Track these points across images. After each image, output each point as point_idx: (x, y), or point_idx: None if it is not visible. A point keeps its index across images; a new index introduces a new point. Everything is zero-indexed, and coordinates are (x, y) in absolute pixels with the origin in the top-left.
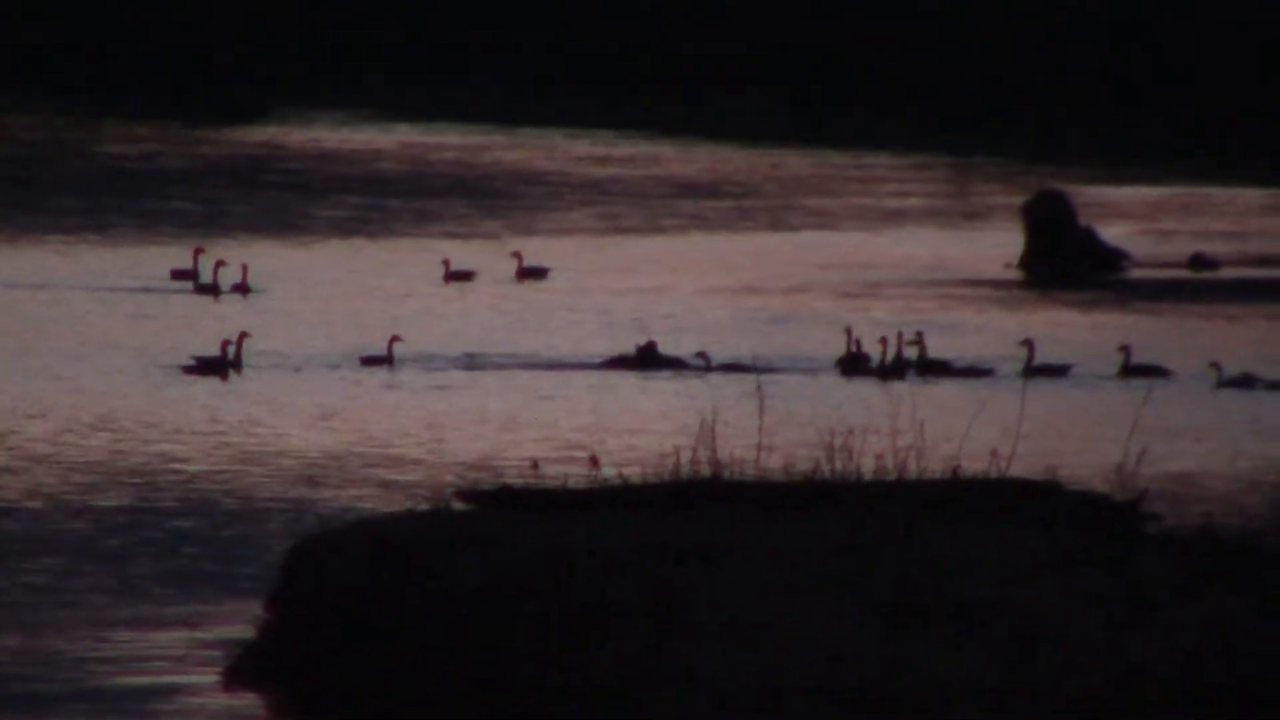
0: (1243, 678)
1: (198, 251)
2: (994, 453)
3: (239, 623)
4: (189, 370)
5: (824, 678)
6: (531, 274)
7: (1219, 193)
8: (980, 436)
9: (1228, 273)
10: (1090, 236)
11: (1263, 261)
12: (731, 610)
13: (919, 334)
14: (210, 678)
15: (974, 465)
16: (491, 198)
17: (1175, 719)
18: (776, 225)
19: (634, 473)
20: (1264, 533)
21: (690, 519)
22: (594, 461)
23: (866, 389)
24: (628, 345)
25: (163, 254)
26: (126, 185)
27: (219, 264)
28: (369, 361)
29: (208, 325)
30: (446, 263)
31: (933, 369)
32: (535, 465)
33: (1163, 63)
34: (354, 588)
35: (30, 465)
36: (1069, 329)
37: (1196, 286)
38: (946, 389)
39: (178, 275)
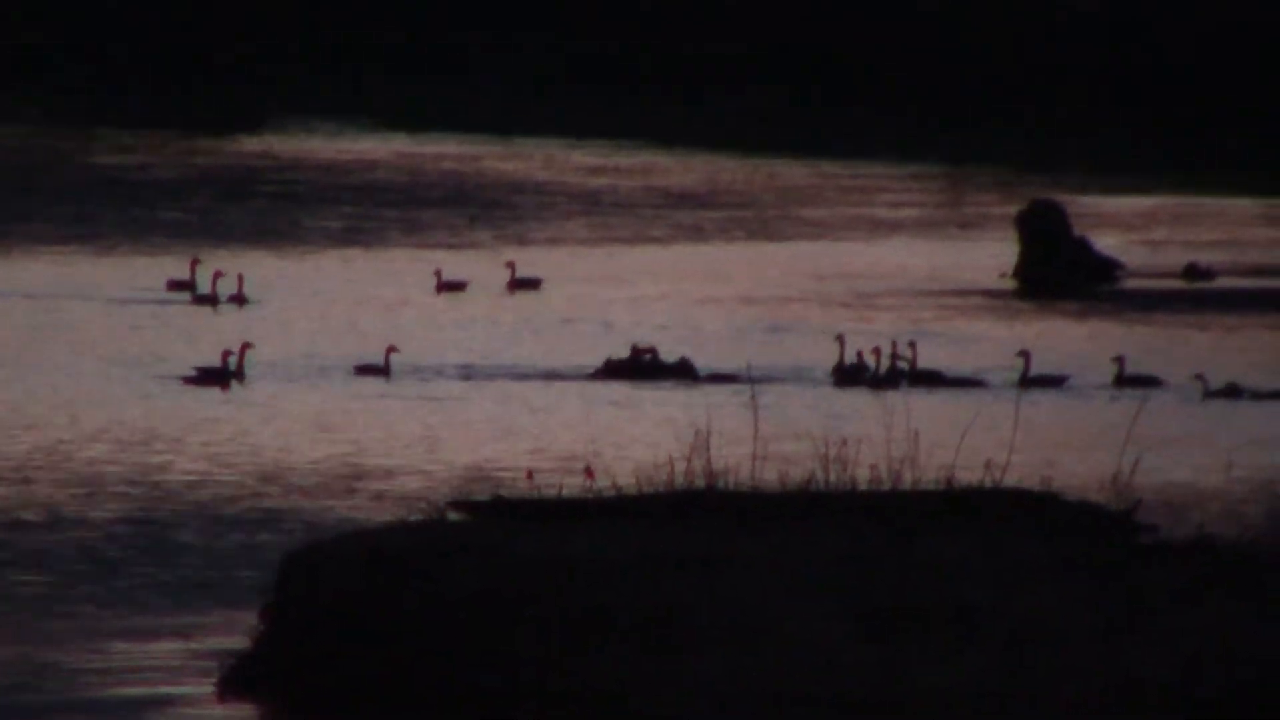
0: (1241, 683)
1: (195, 262)
2: (989, 463)
3: (234, 633)
4: (190, 381)
5: (821, 684)
6: (524, 284)
7: (1213, 203)
8: (976, 447)
9: (1222, 283)
10: (1085, 247)
11: (1257, 272)
12: (729, 617)
13: (911, 344)
14: (205, 688)
15: (969, 475)
16: (486, 208)
17: None
18: (771, 235)
19: (629, 483)
20: (1260, 540)
21: (686, 528)
22: (589, 472)
23: (861, 399)
24: (623, 355)
25: (157, 264)
26: (121, 195)
27: (217, 274)
28: (364, 371)
29: (205, 335)
30: (439, 273)
31: (925, 379)
32: (530, 475)
33: (1158, 74)
34: (349, 596)
35: (25, 476)
36: (1063, 339)
37: (1191, 296)
38: (942, 399)
39: (175, 286)
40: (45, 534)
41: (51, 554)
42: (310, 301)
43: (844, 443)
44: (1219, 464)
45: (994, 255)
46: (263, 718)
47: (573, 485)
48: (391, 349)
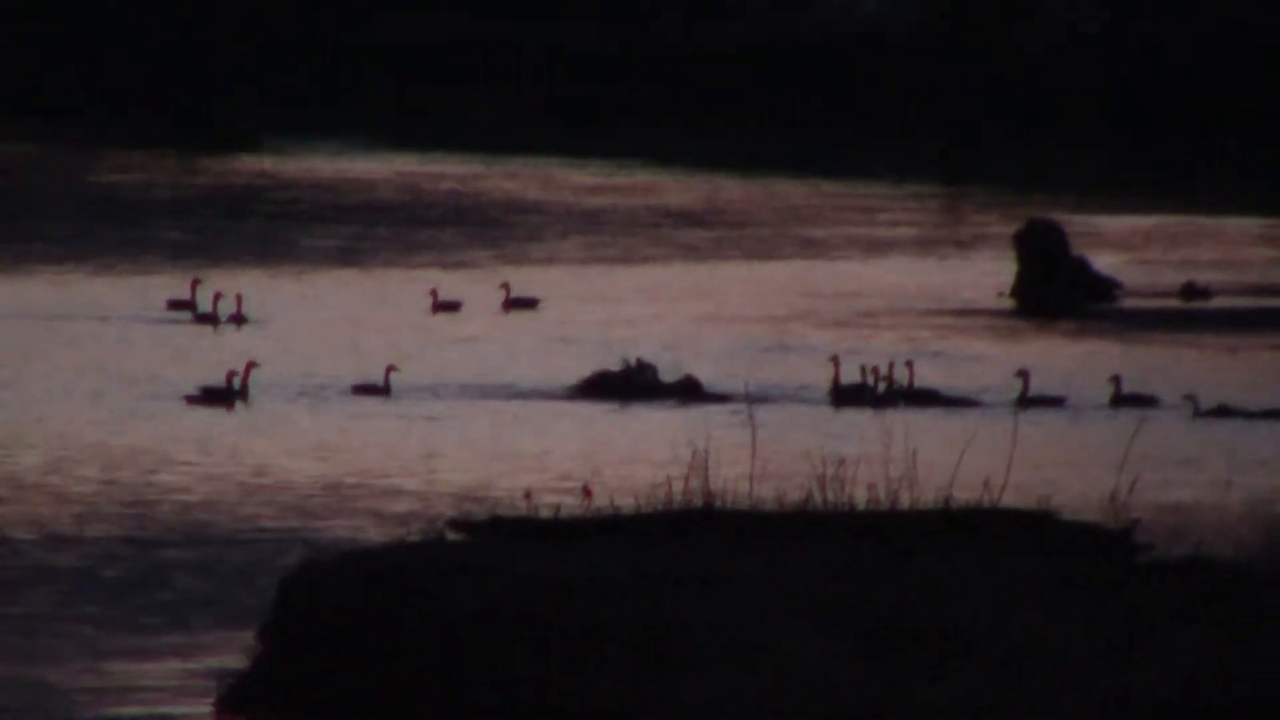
0: (1238, 701)
1: (195, 282)
2: (986, 483)
3: (232, 652)
4: (194, 400)
5: (819, 703)
6: (520, 304)
7: (1211, 222)
8: (974, 466)
9: (1220, 302)
10: (1083, 266)
11: (1256, 291)
12: (727, 636)
13: (908, 363)
14: (203, 707)
15: (967, 495)
16: (484, 227)
17: None
18: (768, 254)
19: (627, 502)
20: (1256, 559)
21: (684, 547)
22: (587, 491)
23: (859, 419)
24: (606, 370)
25: (155, 284)
26: (119, 214)
27: (217, 295)
28: (362, 391)
29: (205, 355)
30: (434, 292)
31: (923, 399)
32: (528, 495)
33: (1156, 93)
34: (347, 615)
35: (24, 495)
36: (1062, 358)
37: (1189, 316)
38: (940, 419)
39: (175, 305)
40: (43, 553)
41: (49, 573)
42: (309, 321)
43: (842, 462)
44: (1216, 483)
45: (992, 275)
46: None
47: (571, 505)
48: (391, 368)
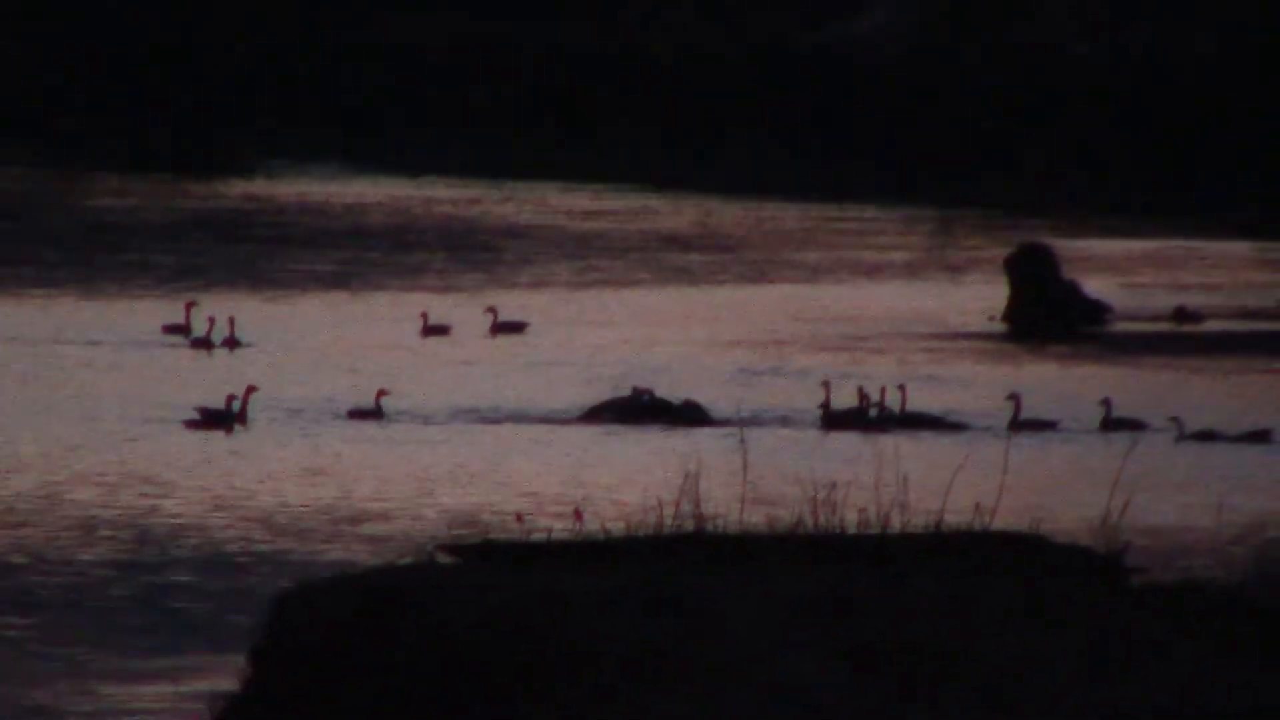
0: None
1: (190, 305)
2: (978, 506)
3: (223, 675)
4: (193, 424)
5: None
6: (508, 328)
7: (1203, 246)
8: (965, 490)
9: (1211, 326)
10: (1074, 290)
11: (1246, 315)
12: (714, 658)
13: (901, 387)
14: None
15: (958, 518)
16: (476, 251)
17: None
18: (760, 278)
19: (618, 526)
20: (1247, 583)
21: (674, 570)
22: (578, 514)
23: (850, 442)
24: (609, 395)
25: (146, 307)
26: (112, 238)
27: (210, 319)
28: (357, 415)
29: (201, 379)
30: (425, 316)
31: (914, 422)
32: (520, 518)
33: (1147, 117)
34: (337, 638)
35: (17, 518)
36: (1053, 382)
37: (1180, 340)
38: (931, 443)
39: (171, 330)
40: (35, 576)
41: (41, 596)
42: (302, 345)
43: (833, 486)
44: (1207, 507)
45: (983, 298)
46: None
47: (562, 528)
48: (382, 392)
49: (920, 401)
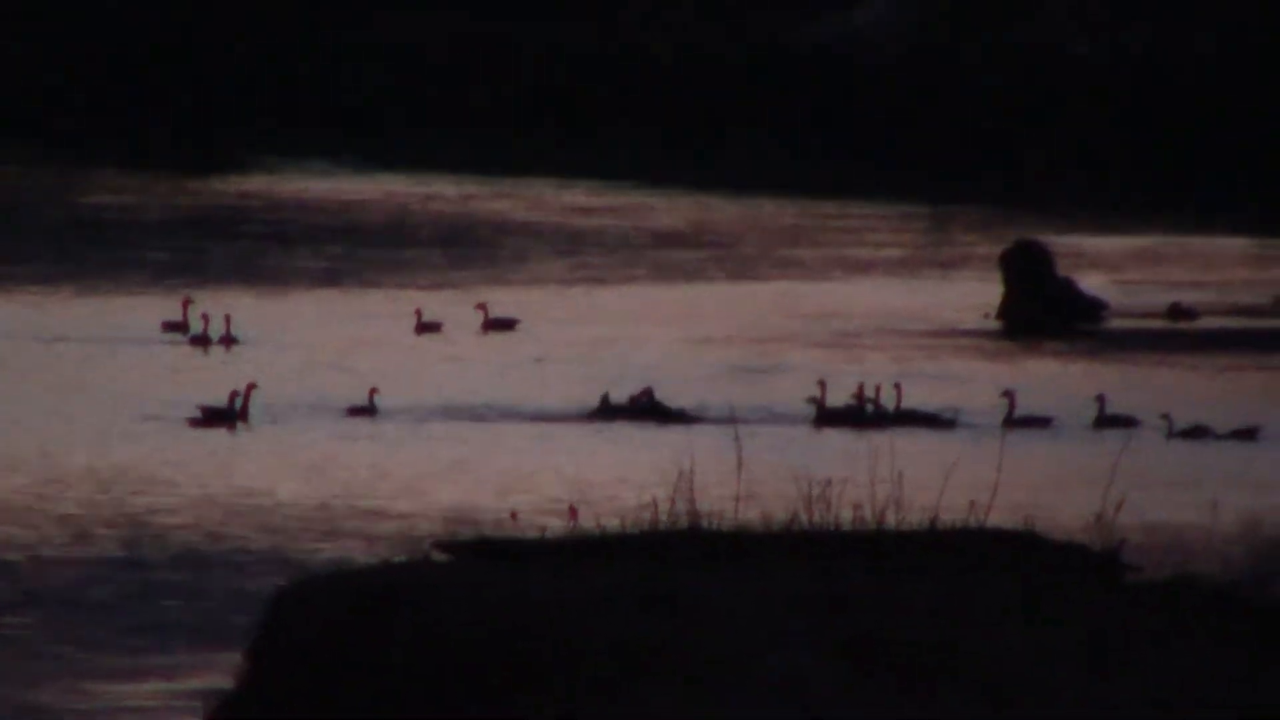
0: None
1: (187, 303)
2: (972, 503)
3: (219, 673)
4: (195, 422)
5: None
6: (498, 325)
7: (1197, 243)
8: (959, 487)
9: (1206, 323)
10: (1069, 286)
11: (1241, 311)
12: (709, 654)
13: (897, 385)
14: None
15: (953, 516)
16: (470, 248)
17: None
18: (754, 275)
19: (613, 523)
20: (1241, 581)
21: (668, 568)
22: (573, 512)
23: (845, 440)
24: (609, 395)
25: (143, 304)
26: (106, 235)
27: (205, 316)
28: (355, 412)
29: (197, 375)
30: (419, 313)
31: (909, 419)
32: (515, 516)
33: (1142, 115)
34: (333, 636)
35: (13, 517)
36: (1047, 379)
37: (1175, 336)
38: (926, 440)
39: (170, 327)
40: (30, 574)
41: (36, 594)
42: (298, 342)
43: (828, 483)
44: (1202, 503)
45: (978, 295)
46: None
47: (557, 525)
48: (374, 390)
49: (915, 398)
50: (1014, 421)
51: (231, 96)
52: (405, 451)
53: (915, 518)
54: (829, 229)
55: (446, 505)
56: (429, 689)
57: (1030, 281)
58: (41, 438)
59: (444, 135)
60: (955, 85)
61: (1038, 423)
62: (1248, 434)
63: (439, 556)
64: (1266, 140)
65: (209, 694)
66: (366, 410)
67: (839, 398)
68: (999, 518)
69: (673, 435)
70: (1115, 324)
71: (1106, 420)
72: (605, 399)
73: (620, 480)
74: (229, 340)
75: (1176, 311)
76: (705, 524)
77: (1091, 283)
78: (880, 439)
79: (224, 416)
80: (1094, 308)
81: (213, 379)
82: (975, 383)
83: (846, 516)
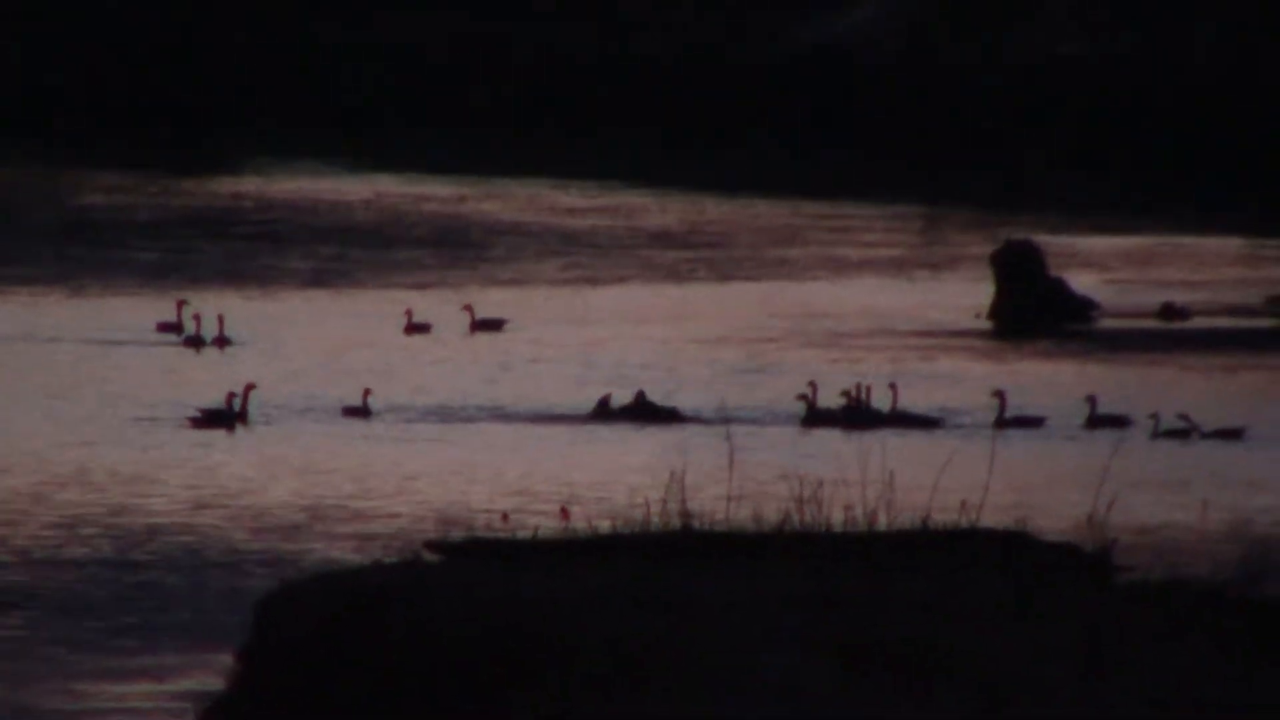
0: None
1: (181, 304)
2: (964, 503)
3: (209, 674)
4: (195, 423)
5: None
6: (486, 326)
7: (1190, 242)
8: (951, 487)
9: (1198, 322)
10: (1060, 286)
11: (1233, 311)
12: (701, 655)
13: (891, 385)
14: None
15: (944, 516)
16: (461, 249)
17: None
18: (746, 275)
19: (604, 523)
20: (1233, 580)
21: (661, 568)
22: (564, 512)
23: (836, 440)
24: (597, 396)
25: (136, 305)
26: (98, 236)
27: (197, 317)
28: (350, 413)
29: (192, 376)
30: (409, 314)
31: (900, 420)
32: (506, 516)
33: (1134, 114)
34: (323, 636)
35: (4, 518)
36: (1039, 379)
37: (1167, 336)
38: (918, 440)
39: (164, 328)
40: (21, 575)
41: (28, 595)
42: (290, 343)
43: (819, 483)
44: (1193, 504)
45: (969, 295)
46: None
47: (549, 526)
48: (367, 391)
49: (906, 398)
50: (1005, 421)
51: (225, 97)
52: (396, 451)
53: (907, 518)
54: (821, 229)
55: (437, 506)
56: (421, 689)
57: (1022, 281)
58: (34, 438)
59: (437, 136)
60: (950, 86)
61: (1029, 423)
62: (1232, 434)
63: (430, 557)
64: (1259, 141)
65: (200, 695)
66: (361, 411)
67: (829, 398)
68: (990, 518)
69: (664, 435)
70: (1107, 324)
71: (1098, 420)
72: (604, 401)
73: (612, 480)
74: (222, 341)
75: (1169, 311)
76: (697, 524)
77: (1083, 282)
78: (871, 439)
79: (223, 418)
80: (1085, 308)
81: (207, 380)
82: (966, 383)
83: (839, 517)
